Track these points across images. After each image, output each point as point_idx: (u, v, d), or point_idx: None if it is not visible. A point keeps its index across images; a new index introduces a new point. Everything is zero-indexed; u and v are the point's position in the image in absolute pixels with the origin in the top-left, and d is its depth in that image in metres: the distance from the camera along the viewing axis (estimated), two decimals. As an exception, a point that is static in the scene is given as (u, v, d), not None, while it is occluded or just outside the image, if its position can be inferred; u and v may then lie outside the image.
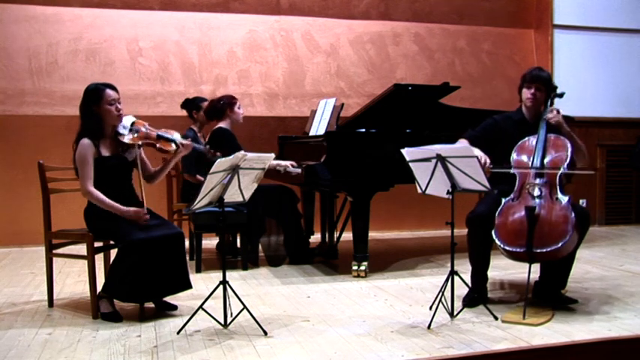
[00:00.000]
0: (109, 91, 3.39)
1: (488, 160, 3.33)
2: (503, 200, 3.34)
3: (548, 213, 3.18)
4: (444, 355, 2.70)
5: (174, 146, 3.48)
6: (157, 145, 3.46)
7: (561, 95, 3.61)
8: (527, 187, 3.31)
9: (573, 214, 3.15)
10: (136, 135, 3.40)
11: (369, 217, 4.28)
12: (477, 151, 3.32)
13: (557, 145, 3.39)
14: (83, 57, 5.83)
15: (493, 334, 2.98)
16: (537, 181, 3.31)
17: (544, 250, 3.10)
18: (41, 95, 5.73)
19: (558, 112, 3.45)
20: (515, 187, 3.37)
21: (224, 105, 4.74)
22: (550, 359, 2.76)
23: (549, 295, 3.44)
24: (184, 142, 3.52)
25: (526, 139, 3.46)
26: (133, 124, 3.44)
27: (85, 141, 3.32)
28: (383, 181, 4.29)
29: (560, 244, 3.09)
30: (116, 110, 3.37)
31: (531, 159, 3.37)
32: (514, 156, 3.45)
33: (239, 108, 4.79)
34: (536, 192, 3.27)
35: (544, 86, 3.52)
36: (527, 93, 3.55)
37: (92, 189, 3.30)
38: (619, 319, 3.22)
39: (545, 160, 3.36)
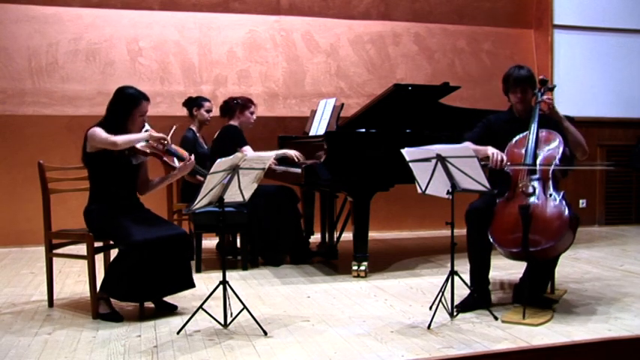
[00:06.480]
0: (145, 104, 3.45)
1: (504, 157, 3.32)
2: (497, 200, 3.33)
3: (543, 210, 3.16)
4: (444, 355, 2.70)
5: (177, 163, 3.51)
6: (164, 158, 3.50)
7: (552, 89, 3.61)
8: (521, 185, 3.29)
9: (567, 211, 3.13)
10: (146, 143, 3.45)
11: (369, 217, 4.28)
12: (491, 149, 3.32)
13: (548, 140, 3.37)
14: (83, 57, 5.83)
15: (493, 334, 2.98)
16: (530, 177, 3.28)
17: (539, 248, 3.09)
18: (41, 95, 5.73)
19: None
20: (509, 185, 3.36)
21: (236, 105, 4.88)
22: (550, 359, 2.76)
23: (528, 299, 3.29)
24: (188, 162, 3.51)
25: (517, 137, 3.43)
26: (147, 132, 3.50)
27: (100, 128, 3.34)
28: (383, 181, 4.29)
29: (555, 242, 3.08)
30: (141, 122, 3.45)
31: (524, 156, 3.34)
32: (507, 154, 3.39)
33: (251, 113, 4.92)
34: (530, 189, 3.25)
35: (529, 86, 3.50)
36: (515, 98, 3.52)
37: (114, 137, 3.27)
38: (619, 319, 3.22)
39: (538, 157, 3.32)
